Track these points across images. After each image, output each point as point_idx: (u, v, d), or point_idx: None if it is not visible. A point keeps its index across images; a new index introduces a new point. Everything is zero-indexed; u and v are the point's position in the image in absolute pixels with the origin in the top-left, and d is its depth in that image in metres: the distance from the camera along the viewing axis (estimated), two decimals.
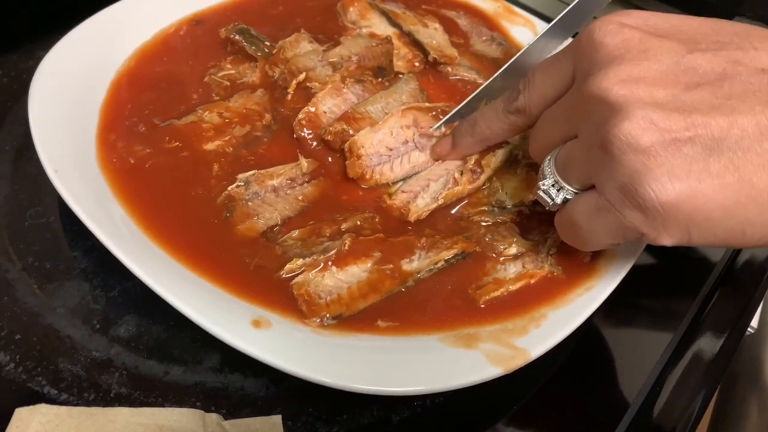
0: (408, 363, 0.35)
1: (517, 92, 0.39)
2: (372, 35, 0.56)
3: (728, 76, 0.30)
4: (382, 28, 0.57)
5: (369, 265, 0.39)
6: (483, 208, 0.44)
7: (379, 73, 0.52)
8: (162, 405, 0.37)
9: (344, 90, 0.48)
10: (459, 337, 0.37)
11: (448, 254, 0.40)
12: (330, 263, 0.39)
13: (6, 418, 0.33)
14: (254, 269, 0.39)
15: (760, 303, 0.49)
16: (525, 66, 0.48)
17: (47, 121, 0.43)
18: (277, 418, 0.36)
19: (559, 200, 0.36)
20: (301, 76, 0.50)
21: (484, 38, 0.60)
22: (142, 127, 0.47)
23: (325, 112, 0.47)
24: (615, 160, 0.30)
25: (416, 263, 0.40)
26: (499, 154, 0.45)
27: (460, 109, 0.46)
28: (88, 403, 0.36)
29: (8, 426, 0.32)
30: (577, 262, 0.41)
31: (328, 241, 0.41)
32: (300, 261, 0.39)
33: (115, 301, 0.41)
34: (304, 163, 0.45)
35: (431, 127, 0.45)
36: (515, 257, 0.42)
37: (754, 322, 0.60)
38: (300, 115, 0.47)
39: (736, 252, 0.50)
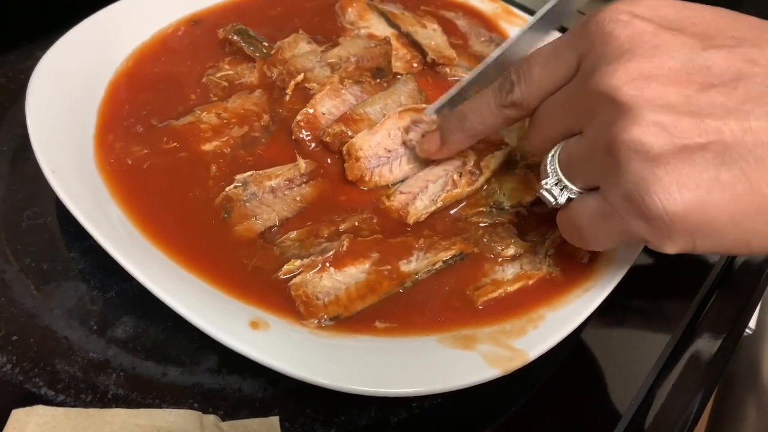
0: (406, 364, 0.35)
1: (510, 84, 0.36)
2: (370, 36, 0.56)
3: (744, 76, 0.29)
4: (380, 28, 0.57)
5: (367, 266, 0.39)
6: (481, 209, 0.44)
7: (378, 74, 0.52)
8: (159, 406, 0.37)
9: (343, 91, 0.48)
10: (457, 338, 0.37)
11: (446, 255, 0.40)
12: (328, 264, 0.39)
13: (3, 419, 0.33)
14: (252, 270, 0.39)
15: (757, 304, 0.49)
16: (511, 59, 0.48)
17: (45, 122, 0.43)
18: (275, 420, 0.36)
19: (562, 200, 0.35)
20: (300, 77, 0.50)
21: (483, 39, 0.60)
22: (140, 127, 0.47)
23: (324, 114, 0.47)
24: (621, 166, 0.29)
25: (414, 264, 0.40)
26: (498, 156, 0.45)
27: (453, 96, 0.45)
28: (86, 405, 0.36)
29: (5, 427, 0.32)
30: (575, 263, 0.41)
31: (326, 242, 0.41)
32: (298, 262, 0.39)
33: (112, 302, 0.41)
34: (302, 163, 0.45)
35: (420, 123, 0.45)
36: (513, 258, 0.42)
37: (752, 324, 0.60)
38: (299, 117, 0.47)
39: None
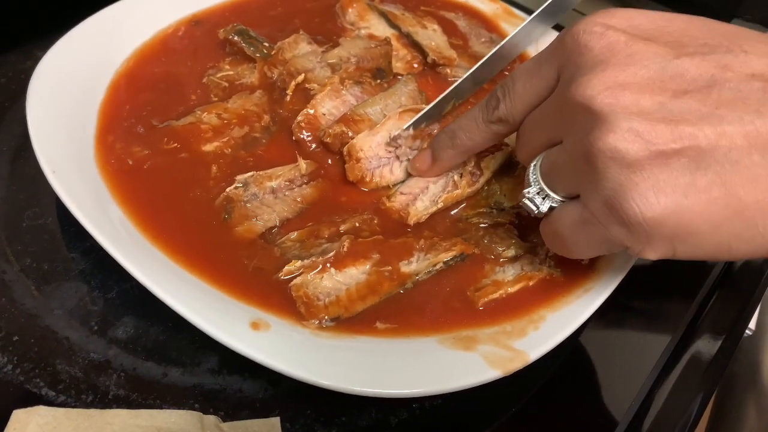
0: (406, 365, 0.35)
1: (496, 100, 0.37)
2: (371, 36, 0.56)
3: (717, 82, 0.29)
4: (380, 29, 0.57)
5: (367, 266, 0.39)
6: (481, 210, 0.44)
7: (378, 74, 0.52)
8: (160, 407, 0.37)
9: (343, 92, 0.48)
10: (457, 339, 0.37)
11: (446, 256, 0.40)
12: (329, 265, 0.39)
13: (3, 419, 0.33)
14: (253, 271, 0.39)
15: (758, 305, 0.49)
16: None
17: (45, 122, 0.43)
18: (276, 420, 0.36)
19: (544, 208, 0.35)
20: (300, 78, 0.50)
21: (483, 40, 0.60)
22: (140, 128, 0.47)
23: (324, 114, 0.47)
24: (599, 173, 0.30)
25: (415, 265, 0.40)
26: (498, 157, 0.45)
27: (429, 110, 0.45)
28: (86, 405, 0.36)
29: (6, 428, 0.32)
30: (575, 264, 0.41)
31: (327, 243, 0.41)
32: (298, 263, 0.39)
33: (113, 302, 0.41)
34: (303, 164, 0.45)
35: (404, 129, 0.45)
36: (514, 259, 0.42)
37: (752, 324, 0.60)
38: (299, 118, 0.47)
39: None
